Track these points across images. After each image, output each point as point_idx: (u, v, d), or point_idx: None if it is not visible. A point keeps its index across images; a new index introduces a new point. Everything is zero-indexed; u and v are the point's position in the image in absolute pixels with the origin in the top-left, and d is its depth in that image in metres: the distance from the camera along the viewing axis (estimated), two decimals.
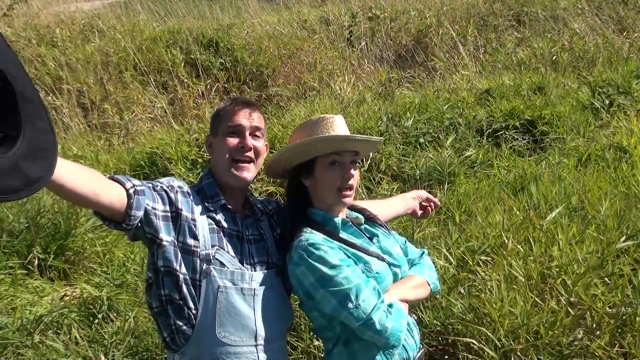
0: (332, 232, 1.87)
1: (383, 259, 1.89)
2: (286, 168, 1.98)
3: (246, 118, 1.92)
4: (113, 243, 4.08)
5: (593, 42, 7.72)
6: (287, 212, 1.98)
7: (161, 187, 1.77)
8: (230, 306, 1.76)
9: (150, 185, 1.75)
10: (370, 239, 1.97)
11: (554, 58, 7.39)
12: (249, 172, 1.90)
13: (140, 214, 1.65)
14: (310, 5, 10.58)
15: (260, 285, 1.82)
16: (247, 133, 1.90)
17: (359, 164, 1.96)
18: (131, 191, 1.63)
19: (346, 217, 1.98)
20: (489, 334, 2.59)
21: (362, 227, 2.00)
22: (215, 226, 1.83)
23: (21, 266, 3.80)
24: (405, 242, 2.13)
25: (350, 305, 1.70)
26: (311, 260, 1.76)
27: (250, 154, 1.90)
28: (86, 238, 4.03)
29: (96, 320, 3.27)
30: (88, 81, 7.31)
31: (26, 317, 3.27)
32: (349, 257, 1.82)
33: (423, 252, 2.11)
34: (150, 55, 7.93)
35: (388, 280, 1.86)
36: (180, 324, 1.76)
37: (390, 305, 1.76)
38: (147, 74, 7.62)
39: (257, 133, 1.93)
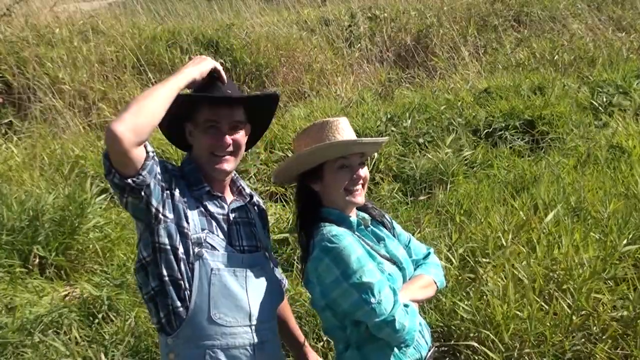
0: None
1: (393, 262, 1.90)
2: (293, 175, 1.98)
3: (224, 112, 1.85)
4: (114, 242, 4.08)
5: (593, 42, 7.72)
6: (298, 221, 1.97)
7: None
8: (223, 288, 1.78)
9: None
10: (378, 241, 1.97)
11: (554, 58, 7.39)
12: (229, 163, 1.88)
13: (150, 179, 1.66)
14: (310, 5, 10.56)
15: (251, 267, 1.85)
16: (226, 128, 1.85)
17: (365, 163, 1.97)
18: (151, 154, 1.66)
19: (356, 217, 1.98)
20: (493, 337, 2.58)
21: (369, 229, 2.00)
22: (202, 209, 1.84)
23: (21, 265, 3.79)
24: (410, 240, 2.10)
25: (372, 300, 1.69)
26: (335, 253, 1.75)
27: (230, 149, 1.87)
28: (89, 237, 4.03)
29: (96, 320, 3.26)
30: (87, 81, 7.28)
31: (26, 316, 3.26)
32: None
33: (429, 253, 2.09)
34: (150, 55, 7.92)
35: (399, 282, 1.87)
36: (178, 304, 1.77)
37: (406, 305, 1.77)
38: (146, 74, 7.60)
39: (236, 125, 1.88)
